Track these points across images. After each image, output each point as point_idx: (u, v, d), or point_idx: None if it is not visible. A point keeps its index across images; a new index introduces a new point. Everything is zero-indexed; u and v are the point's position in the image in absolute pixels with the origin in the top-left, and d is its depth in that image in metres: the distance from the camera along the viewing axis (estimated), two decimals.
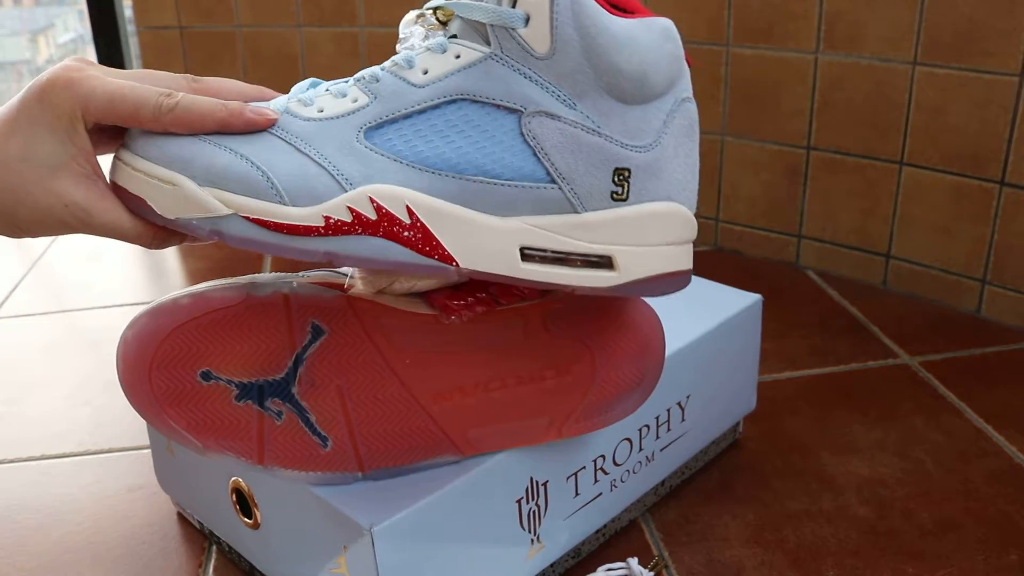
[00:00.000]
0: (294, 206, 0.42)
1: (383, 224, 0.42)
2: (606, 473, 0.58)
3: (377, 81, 0.44)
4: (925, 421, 0.74)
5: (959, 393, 0.78)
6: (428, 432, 0.49)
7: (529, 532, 0.54)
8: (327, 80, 0.50)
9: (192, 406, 0.45)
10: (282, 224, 0.42)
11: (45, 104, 0.42)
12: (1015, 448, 0.70)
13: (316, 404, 0.47)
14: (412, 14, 0.46)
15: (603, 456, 0.57)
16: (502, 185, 0.43)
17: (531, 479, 0.53)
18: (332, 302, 0.46)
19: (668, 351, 0.59)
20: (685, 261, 0.46)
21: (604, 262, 0.44)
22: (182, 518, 0.65)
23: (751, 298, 0.66)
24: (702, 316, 0.64)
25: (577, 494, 0.56)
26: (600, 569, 0.57)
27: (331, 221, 0.42)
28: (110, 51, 1.59)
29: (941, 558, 0.59)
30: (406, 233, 0.42)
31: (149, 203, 0.42)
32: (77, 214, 0.43)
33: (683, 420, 0.63)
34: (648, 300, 0.52)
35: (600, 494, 0.58)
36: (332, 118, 0.43)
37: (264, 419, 0.47)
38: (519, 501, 0.53)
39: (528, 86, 0.43)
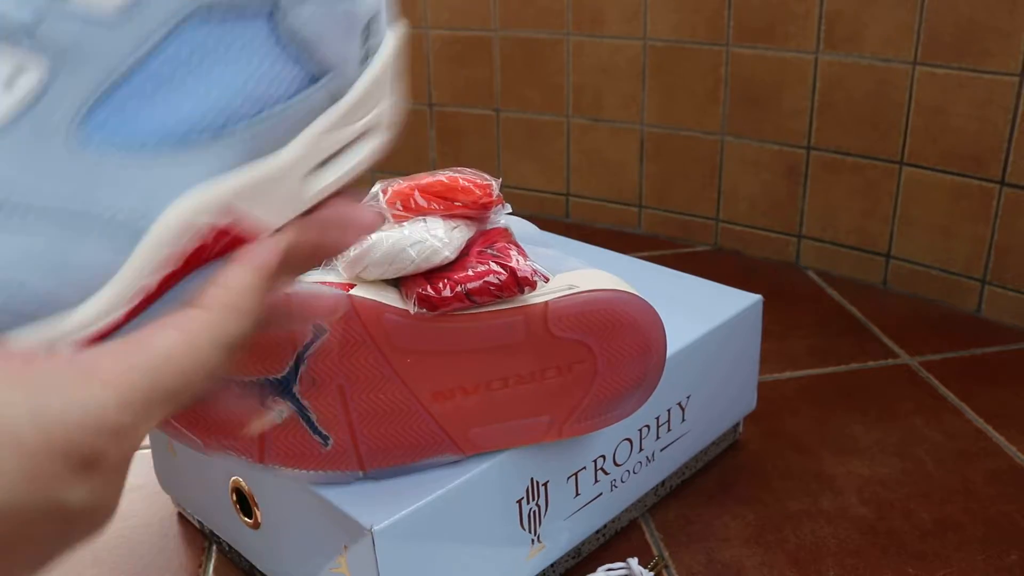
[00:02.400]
0: (71, 309, 0.25)
1: (195, 257, 0.28)
2: (606, 473, 0.58)
3: (36, 35, 0.24)
4: (925, 421, 0.74)
5: (959, 393, 0.78)
6: (429, 431, 0.49)
7: (529, 532, 0.54)
8: None
9: (193, 405, 0.45)
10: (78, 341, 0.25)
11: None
12: (1015, 448, 0.70)
13: (317, 403, 0.47)
14: None
15: (603, 456, 0.57)
16: (277, 111, 0.29)
17: (531, 479, 0.53)
18: None
19: (668, 351, 0.59)
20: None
21: (373, 128, 0.33)
22: (182, 518, 0.65)
23: (751, 298, 0.66)
24: (702, 316, 0.64)
25: (577, 494, 0.56)
26: (600, 569, 0.57)
27: (133, 305, 0.26)
28: None
29: (941, 558, 0.59)
30: (223, 242, 0.29)
31: None
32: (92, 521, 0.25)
33: (683, 420, 0.63)
34: (648, 300, 0.52)
35: (600, 494, 0.58)
36: (6, 126, 0.24)
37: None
38: (519, 501, 0.53)
39: None
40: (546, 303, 0.49)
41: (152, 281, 0.26)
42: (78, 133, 0.25)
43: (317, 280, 0.48)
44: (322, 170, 0.32)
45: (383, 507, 0.47)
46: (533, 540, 0.55)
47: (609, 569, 0.57)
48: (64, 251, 0.25)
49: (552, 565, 0.57)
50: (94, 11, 0.25)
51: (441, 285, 0.47)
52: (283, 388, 0.46)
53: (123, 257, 0.26)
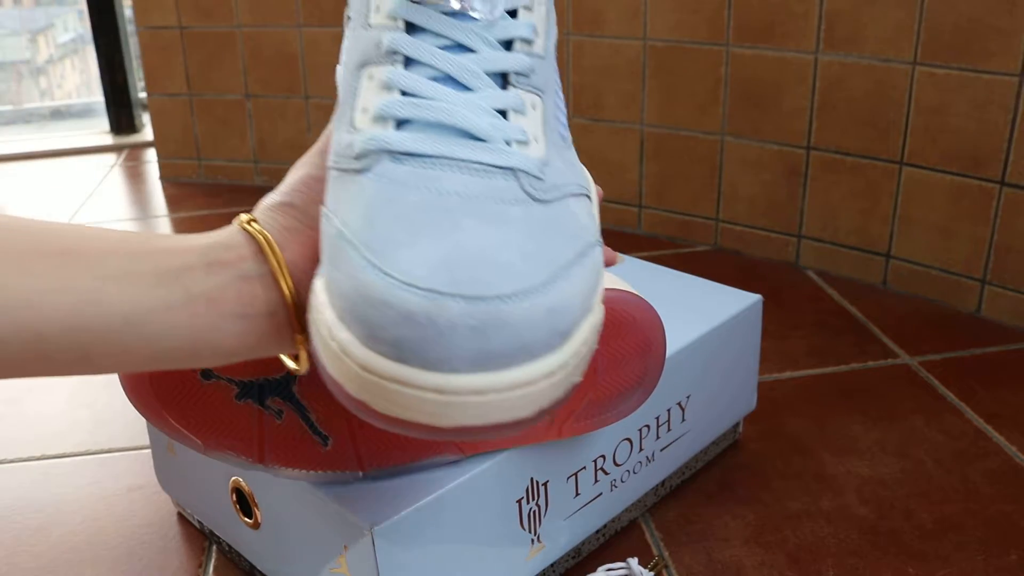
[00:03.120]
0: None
1: None
2: (606, 473, 0.58)
3: (531, 77, 0.37)
4: (925, 421, 0.74)
5: (959, 393, 0.78)
6: None
7: (529, 532, 0.54)
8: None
9: (193, 405, 0.45)
10: None
11: None
12: (1015, 448, 0.70)
13: (316, 403, 0.47)
14: None
15: (603, 456, 0.57)
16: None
17: (531, 479, 0.53)
18: None
19: (668, 351, 0.59)
20: None
21: None
22: (182, 518, 0.65)
23: (751, 298, 0.66)
24: (702, 316, 0.64)
25: (577, 494, 0.56)
26: (600, 569, 0.57)
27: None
28: (110, 51, 1.59)
29: (941, 558, 0.59)
30: None
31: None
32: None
33: (683, 420, 0.63)
34: (648, 300, 0.52)
35: (600, 494, 0.58)
36: (547, 147, 0.37)
37: (264, 418, 0.47)
38: (519, 501, 0.53)
39: None
40: None
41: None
42: (559, 136, 0.38)
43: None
44: None
45: (383, 507, 0.47)
46: (533, 540, 0.55)
47: (609, 569, 0.57)
48: (591, 210, 0.37)
49: (552, 565, 0.57)
50: (540, 53, 0.37)
51: None
52: (283, 388, 0.46)
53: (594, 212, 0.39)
